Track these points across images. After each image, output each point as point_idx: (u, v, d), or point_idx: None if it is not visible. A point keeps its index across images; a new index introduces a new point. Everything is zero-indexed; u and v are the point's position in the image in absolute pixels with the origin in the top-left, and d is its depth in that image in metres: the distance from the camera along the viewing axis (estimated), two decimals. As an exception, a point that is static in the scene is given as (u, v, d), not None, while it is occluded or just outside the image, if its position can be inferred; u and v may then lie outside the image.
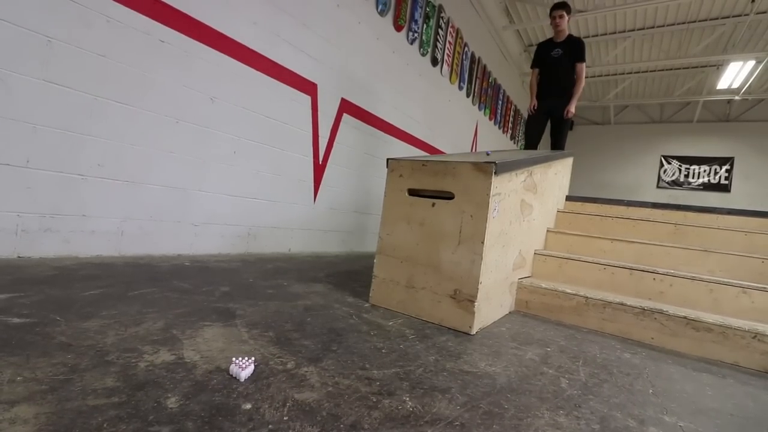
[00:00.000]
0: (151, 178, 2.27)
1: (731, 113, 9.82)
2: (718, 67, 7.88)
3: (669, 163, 10.25)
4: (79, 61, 1.91)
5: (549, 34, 7.79)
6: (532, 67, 3.85)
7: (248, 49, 2.71)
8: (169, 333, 1.14)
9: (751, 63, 7.27)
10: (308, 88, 3.21)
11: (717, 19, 6.46)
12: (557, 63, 3.56)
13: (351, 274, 2.57)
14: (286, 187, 3.14)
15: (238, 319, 1.35)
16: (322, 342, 1.24)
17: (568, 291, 1.94)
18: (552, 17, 3.56)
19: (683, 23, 6.70)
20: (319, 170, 3.42)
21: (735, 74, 7.66)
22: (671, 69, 8.42)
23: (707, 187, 9.76)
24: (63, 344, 0.97)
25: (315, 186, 3.40)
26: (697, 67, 8.20)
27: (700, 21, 6.57)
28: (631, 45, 7.56)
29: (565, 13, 3.50)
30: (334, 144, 3.54)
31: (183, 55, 2.35)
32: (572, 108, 3.56)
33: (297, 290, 1.92)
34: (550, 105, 3.64)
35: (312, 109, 3.27)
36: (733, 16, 6.41)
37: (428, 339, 1.42)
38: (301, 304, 1.66)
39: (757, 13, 6.28)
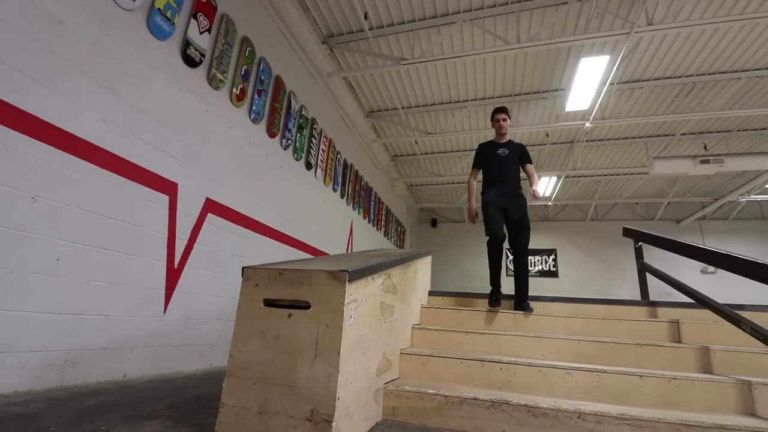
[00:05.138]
0: None
1: (549, 214, 12.51)
2: (534, 180, 10.17)
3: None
4: None
5: (411, 149, 9.19)
6: (474, 167, 3.67)
7: (92, 145, 2.48)
8: None
9: (555, 178, 9.61)
10: (166, 187, 3.02)
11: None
12: (506, 161, 3.48)
13: (201, 400, 2.19)
14: (128, 298, 2.69)
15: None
16: None
17: (429, 391, 1.98)
18: (495, 120, 3.58)
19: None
20: (173, 275, 3.06)
21: (546, 185, 9.97)
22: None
23: (543, 273, 11.79)
24: None
25: (167, 294, 3.00)
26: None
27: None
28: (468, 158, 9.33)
29: (507, 118, 3.59)
30: (195, 245, 3.28)
31: (-2, 149, 2.01)
32: (537, 192, 3.38)
33: (119, 435, 1.53)
34: (503, 204, 3.35)
35: (170, 209, 3.04)
36: (538, 145, 8.58)
37: (278, 478, 1.23)
38: (118, 457, 1.31)
39: (552, 144, 8.53)
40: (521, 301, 3.19)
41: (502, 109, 3.60)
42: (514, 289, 3.27)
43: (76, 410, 1.84)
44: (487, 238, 3.41)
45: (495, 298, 3.22)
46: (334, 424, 1.42)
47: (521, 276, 3.26)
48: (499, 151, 3.53)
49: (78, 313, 2.37)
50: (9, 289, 2.05)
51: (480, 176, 3.67)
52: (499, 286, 3.35)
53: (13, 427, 1.53)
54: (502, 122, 3.57)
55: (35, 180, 2.18)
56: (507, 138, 3.64)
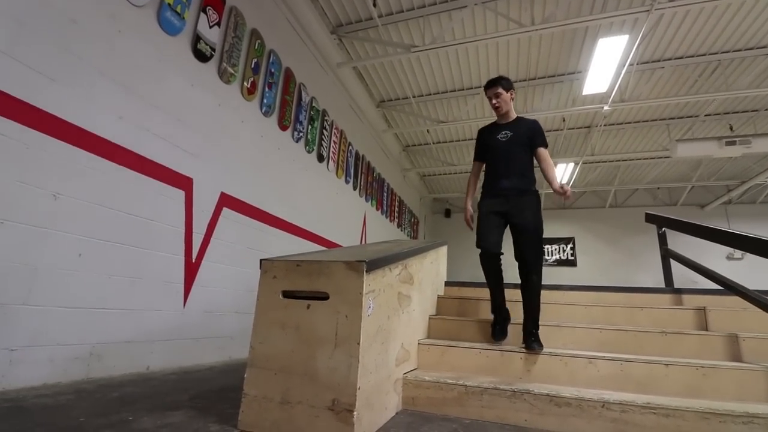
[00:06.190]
0: (-56, 295, 1.77)
1: (566, 202, 12.24)
2: (550, 167, 9.96)
3: (529, 244, 12.08)
4: None
5: (423, 138, 9.09)
6: (475, 160, 2.86)
7: (110, 142, 2.51)
8: None
9: (572, 164, 9.39)
10: (182, 182, 3.05)
11: (541, 132, 8.34)
12: (507, 147, 2.61)
13: (223, 392, 2.22)
14: (148, 292, 2.74)
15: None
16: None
17: (449, 381, 1.96)
18: (488, 98, 2.72)
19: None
20: (191, 269, 3.10)
21: (563, 172, 9.75)
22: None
23: (560, 262, 11.61)
24: None
25: (186, 287, 3.04)
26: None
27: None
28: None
29: (502, 90, 2.64)
30: (212, 240, 3.31)
31: (21, 148, 2.05)
32: (557, 185, 2.46)
33: (146, 425, 1.56)
34: (503, 206, 2.52)
35: (186, 204, 3.07)
36: (554, 130, 8.38)
37: (301, 467, 1.24)
38: (145, 447, 1.34)
39: (568, 129, 8.32)
40: (527, 332, 2.35)
41: (492, 83, 2.69)
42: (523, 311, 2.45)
43: (103, 401, 1.89)
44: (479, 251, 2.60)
45: (499, 326, 2.49)
46: (355, 413, 1.42)
47: (528, 298, 2.42)
48: (499, 136, 2.66)
49: (101, 307, 2.43)
50: (35, 285, 2.10)
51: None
52: (504, 312, 2.56)
53: (43, 418, 1.58)
54: (494, 99, 2.67)
55: (56, 178, 2.22)
56: (512, 116, 2.71)
